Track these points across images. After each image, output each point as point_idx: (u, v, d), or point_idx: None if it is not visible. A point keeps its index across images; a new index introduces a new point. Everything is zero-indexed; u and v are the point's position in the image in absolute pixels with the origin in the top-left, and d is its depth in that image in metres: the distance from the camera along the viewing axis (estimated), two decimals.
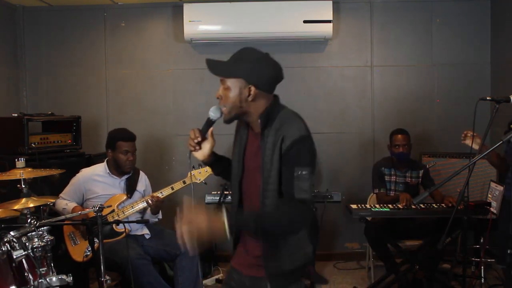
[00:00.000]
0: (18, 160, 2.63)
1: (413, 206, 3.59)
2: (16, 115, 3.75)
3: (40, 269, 2.28)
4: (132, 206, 3.33)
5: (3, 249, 2.20)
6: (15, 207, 2.45)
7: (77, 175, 3.45)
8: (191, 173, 3.40)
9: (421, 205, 3.65)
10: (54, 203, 3.27)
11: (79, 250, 3.23)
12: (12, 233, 2.25)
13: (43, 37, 4.73)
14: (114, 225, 3.23)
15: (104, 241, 2.71)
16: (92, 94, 4.75)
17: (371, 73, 4.73)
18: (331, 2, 4.40)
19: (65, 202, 3.34)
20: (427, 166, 4.17)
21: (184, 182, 3.40)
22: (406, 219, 3.84)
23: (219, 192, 3.82)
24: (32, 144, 3.69)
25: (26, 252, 2.25)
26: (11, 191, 2.80)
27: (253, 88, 1.79)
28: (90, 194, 3.38)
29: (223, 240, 1.72)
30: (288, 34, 4.47)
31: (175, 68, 4.65)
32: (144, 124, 4.62)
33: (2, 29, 4.50)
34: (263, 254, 1.85)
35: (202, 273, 3.50)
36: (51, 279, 2.27)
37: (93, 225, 2.71)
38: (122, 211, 3.31)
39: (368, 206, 3.73)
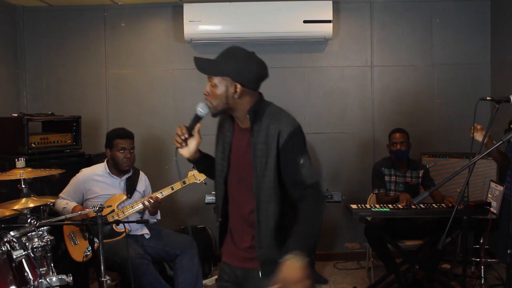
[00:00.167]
0: (18, 160, 2.63)
1: (413, 206, 3.59)
2: (16, 115, 3.75)
3: (40, 269, 2.28)
4: (132, 206, 3.33)
5: (3, 249, 2.20)
6: (15, 207, 2.45)
7: (77, 175, 3.45)
8: (191, 173, 3.41)
9: (421, 205, 3.65)
10: (54, 203, 3.27)
11: (79, 250, 3.23)
12: (12, 233, 2.25)
13: (43, 37, 4.73)
14: (114, 225, 3.23)
15: (104, 241, 2.71)
16: (92, 94, 4.75)
17: (371, 73, 4.73)
18: (331, 2, 4.40)
19: (65, 201, 3.34)
20: (427, 166, 4.17)
21: (184, 182, 3.40)
22: (406, 219, 3.84)
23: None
24: (32, 144, 3.69)
25: (26, 252, 2.25)
26: (11, 191, 2.80)
27: (239, 86, 1.84)
28: (90, 194, 3.38)
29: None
30: (288, 34, 4.47)
31: (175, 68, 4.65)
32: (144, 124, 4.63)
33: (2, 29, 4.50)
34: (255, 242, 1.91)
35: (202, 273, 3.49)
36: (51, 279, 2.27)
37: (93, 225, 2.71)
38: (122, 211, 3.31)
39: (368, 206, 3.73)
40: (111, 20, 4.72)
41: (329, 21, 4.39)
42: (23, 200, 2.48)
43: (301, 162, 1.83)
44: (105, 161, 3.48)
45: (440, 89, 4.71)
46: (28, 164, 2.68)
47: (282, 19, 4.41)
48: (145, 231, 3.44)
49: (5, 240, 2.22)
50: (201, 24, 4.40)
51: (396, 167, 4.00)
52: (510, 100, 2.64)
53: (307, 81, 4.71)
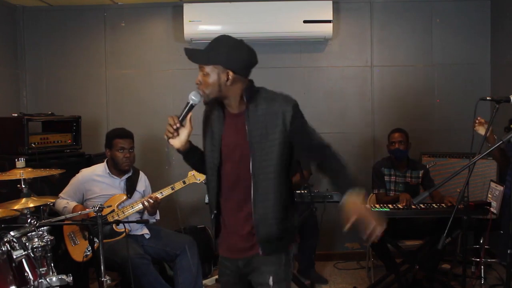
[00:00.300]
0: (18, 160, 2.63)
1: (413, 206, 3.59)
2: (16, 115, 3.76)
3: (40, 269, 2.28)
4: (132, 206, 3.33)
5: (3, 249, 2.20)
6: (15, 207, 2.45)
7: (77, 175, 3.45)
8: (191, 173, 3.41)
9: (421, 205, 3.65)
10: (54, 203, 3.26)
11: (79, 250, 3.23)
12: (12, 233, 2.25)
13: (43, 37, 4.73)
14: (114, 225, 3.23)
15: (104, 241, 2.71)
16: (92, 94, 4.74)
17: (371, 73, 4.73)
18: (331, 2, 4.40)
19: (66, 201, 3.34)
20: (427, 167, 4.17)
21: (184, 182, 3.40)
22: (406, 219, 3.84)
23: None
24: (32, 144, 3.69)
25: (26, 252, 2.24)
26: (11, 191, 2.80)
27: (231, 73, 1.89)
28: (90, 194, 3.38)
29: None
30: (288, 34, 4.47)
31: (175, 68, 4.65)
32: (144, 124, 4.62)
33: (2, 29, 4.50)
34: (254, 221, 1.95)
35: (202, 273, 3.49)
36: (51, 279, 2.26)
37: (93, 225, 2.71)
38: (122, 211, 3.31)
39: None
40: (111, 20, 4.72)
41: (329, 21, 4.39)
42: (23, 200, 2.48)
43: (311, 129, 1.98)
44: (105, 161, 3.49)
45: (440, 89, 4.71)
46: (28, 164, 2.68)
47: (282, 19, 4.41)
48: (145, 231, 3.44)
49: (5, 240, 2.22)
50: (201, 24, 4.41)
51: (396, 167, 4.00)
52: (510, 100, 2.65)
53: (307, 81, 4.70)
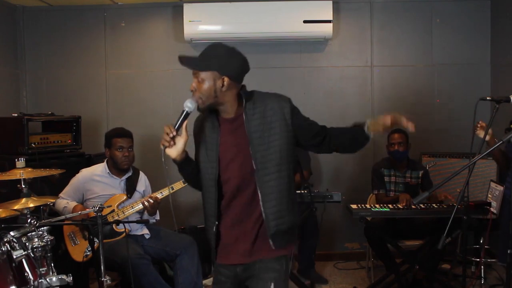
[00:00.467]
0: (18, 160, 2.63)
1: (413, 206, 3.59)
2: (16, 115, 3.76)
3: (40, 269, 2.28)
4: (132, 206, 3.33)
5: (3, 249, 2.20)
6: (15, 207, 2.45)
7: (77, 175, 3.45)
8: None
9: (421, 205, 3.65)
10: (54, 203, 3.26)
11: (79, 250, 3.23)
12: (12, 233, 2.25)
13: (43, 37, 4.73)
14: (114, 225, 3.23)
15: (104, 241, 2.71)
16: (92, 94, 4.75)
17: (371, 73, 4.73)
18: (331, 2, 4.40)
19: (66, 201, 3.33)
20: (427, 167, 4.17)
21: (184, 182, 3.39)
22: (406, 219, 3.84)
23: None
24: (32, 144, 3.69)
25: (26, 252, 2.24)
26: (11, 191, 2.80)
27: (226, 79, 1.93)
28: (90, 194, 3.38)
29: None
30: (288, 34, 4.47)
31: (175, 68, 4.64)
32: (144, 124, 4.62)
33: (2, 29, 4.50)
34: (264, 214, 1.97)
35: (202, 273, 3.49)
36: (51, 279, 2.26)
37: (93, 225, 2.71)
38: (122, 211, 3.31)
39: (368, 206, 3.73)
40: (111, 20, 4.72)
41: (329, 21, 4.39)
42: (23, 200, 2.48)
43: (307, 117, 2.08)
44: (105, 161, 3.49)
45: (440, 89, 4.71)
46: (28, 164, 2.68)
47: (282, 19, 4.41)
48: (145, 231, 3.44)
49: (5, 240, 2.22)
50: (201, 24, 4.41)
51: (396, 167, 4.00)
52: (510, 100, 2.64)
53: (307, 81, 4.70)
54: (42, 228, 2.38)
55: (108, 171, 3.43)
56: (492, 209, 3.50)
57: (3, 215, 2.59)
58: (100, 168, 3.46)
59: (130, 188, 3.46)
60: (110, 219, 3.22)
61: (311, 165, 4.37)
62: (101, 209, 2.64)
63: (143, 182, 3.59)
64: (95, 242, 2.84)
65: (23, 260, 2.27)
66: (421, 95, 4.70)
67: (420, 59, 4.71)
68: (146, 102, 4.72)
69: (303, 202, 3.60)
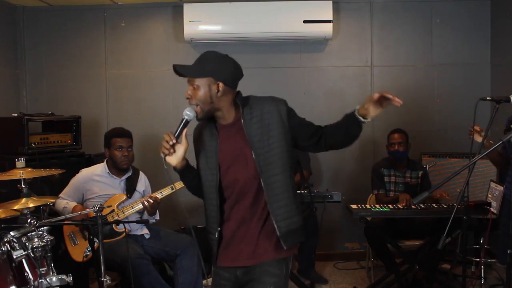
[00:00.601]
0: (18, 160, 2.63)
1: (413, 206, 3.59)
2: (16, 115, 3.75)
3: (40, 269, 2.28)
4: (132, 206, 3.33)
5: (3, 249, 2.20)
6: (15, 207, 2.45)
7: (77, 175, 3.45)
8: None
9: (421, 205, 3.65)
10: (54, 203, 3.27)
11: (79, 250, 3.23)
12: (12, 233, 2.25)
13: (43, 37, 4.73)
14: (114, 225, 3.23)
15: (104, 241, 2.71)
16: (92, 94, 4.74)
17: (371, 73, 4.73)
18: (331, 2, 4.40)
19: (65, 201, 3.34)
20: (427, 167, 4.16)
21: None
22: (406, 219, 3.84)
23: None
24: (32, 144, 3.69)
25: (26, 252, 2.24)
26: (11, 191, 2.80)
27: (221, 84, 1.96)
28: (89, 194, 3.38)
29: None
30: (288, 34, 4.47)
31: None
32: (144, 124, 4.63)
33: (2, 29, 4.50)
34: (272, 215, 1.98)
35: (202, 273, 3.49)
36: (51, 279, 2.26)
37: (93, 225, 2.71)
38: (122, 211, 3.31)
39: (368, 206, 3.73)
40: (111, 20, 4.72)
41: (329, 21, 4.39)
42: (23, 200, 2.48)
43: (302, 118, 2.08)
44: (105, 161, 3.49)
45: (440, 89, 4.71)
46: (28, 164, 2.68)
47: (282, 19, 4.40)
48: (145, 231, 3.44)
49: (5, 240, 2.22)
50: (201, 24, 4.40)
51: (396, 167, 4.00)
52: (510, 100, 2.64)
53: (307, 81, 4.70)
54: (42, 228, 2.38)
55: (108, 171, 3.43)
56: (492, 209, 3.50)
57: (3, 215, 2.59)
58: (100, 168, 3.46)
59: (130, 188, 3.46)
60: (110, 219, 3.22)
61: (311, 165, 4.37)
62: (101, 209, 2.64)
63: (143, 182, 3.59)
64: (95, 242, 2.84)
65: (23, 260, 2.27)
66: (421, 95, 4.70)
67: (420, 59, 4.71)
68: (146, 102, 4.72)
69: (303, 202, 3.60)
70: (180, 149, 2.03)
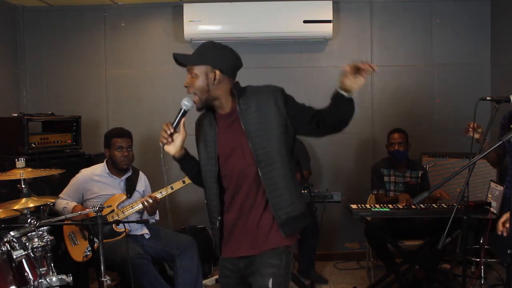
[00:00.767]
0: (18, 160, 2.63)
1: (413, 206, 3.59)
2: (16, 115, 3.75)
3: (40, 269, 2.28)
4: (131, 206, 3.33)
5: (3, 249, 2.20)
6: (15, 207, 2.45)
7: (77, 175, 3.45)
8: None
9: (421, 205, 3.65)
10: (54, 203, 3.27)
11: (79, 250, 3.23)
12: (12, 233, 2.25)
13: (43, 37, 4.73)
14: (114, 225, 3.23)
15: (104, 241, 2.71)
16: (92, 94, 4.74)
17: (371, 73, 4.71)
18: (331, 2, 4.40)
19: (65, 202, 3.34)
20: (427, 167, 4.16)
21: (183, 182, 3.40)
22: (406, 219, 3.84)
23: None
24: (32, 144, 3.69)
25: (26, 252, 2.24)
26: (11, 191, 2.80)
27: (218, 72, 1.99)
28: (89, 194, 3.38)
29: None
30: (288, 34, 4.47)
31: (175, 68, 4.62)
32: (143, 124, 4.63)
33: (2, 29, 4.50)
34: (271, 204, 2.00)
35: (202, 273, 3.49)
36: (51, 279, 2.26)
37: (93, 225, 2.71)
38: (122, 211, 3.31)
39: (368, 206, 3.73)
40: (111, 20, 4.72)
41: (329, 21, 4.39)
42: (23, 200, 2.48)
43: (301, 103, 2.07)
44: (105, 161, 3.49)
45: (440, 89, 4.71)
46: (28, 164, 2.68)
47: (282, 19, 4.40)
48: (145, 231, 3.44)
49: (5, 240, 2.22)
50: (201, 24, 4.41)
51: (396, 167, 4.00)
52: (510, 100, 2.64)
53: (307, 81, 4.70)
54: (42, 228, 2.38)
55: (107, 171, 3.43)
56: (492, 209, 3.50)
57: (3, 215, 2.59)
58: (100, 168, 3.46)
59: (130, 188, 3.46)
60: (110, 219, 3.23)
61: (311, 165, 4.37)
62: (101, 209, 2.64)
63: (142, 182, 3.59)
64: (95, 242, 2.84)
65: (23, 260, 2.28)
66: (421, 95, 4.70)
67: (420, 59, 4.71)
68: (146, 102, 4.72)
69: None
70: (178, 139, 2.07)
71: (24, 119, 3.64)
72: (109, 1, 4.62)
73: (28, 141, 3.65)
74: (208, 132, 2.09)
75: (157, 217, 3.53)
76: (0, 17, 4.48)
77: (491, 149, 2.31)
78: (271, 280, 1.98)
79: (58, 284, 2.28)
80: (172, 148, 2.08)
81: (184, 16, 4.40)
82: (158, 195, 3.35)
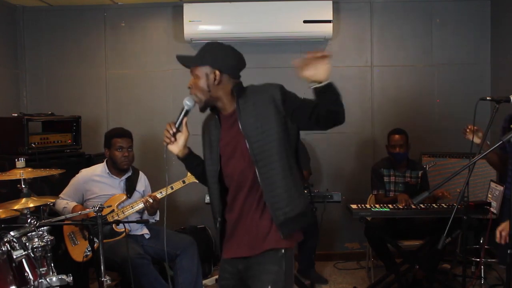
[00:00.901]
0: (18, 160, 2.63)
1: (413, 206, 3.59)
2: (16, 115, 3.75)
3: (40, 269, 2.28)
4: (131, 206, 3.33)
5: (3, 249, 2.20)
6: (15, 207, 2.45)
7: (77, 175, 3.45)
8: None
9: (421, 205, 3.65)
10: (54, 203, 3.27)
11: (79, 250, 3.23)
12: (12, 233, 2.25)
13: (43, 37, 4.73)
14: (114, 225, 3.23)
15: (104, 241, 2.71)
16: (92, 94, 4.75)
17: (371, 73, 4.73)
18: (331, 2, 4.40)
19: (65, 202, 3.34)
20: (427, 167, 4.16)
21: (183, 182, 3.40)
22: (406, 219, 3.84)
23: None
24: (32, 144, 3.69)
25: (26, 252, 2.25)
26: (11, 191, 2.80)
27: (217, 72, 1.99)
28: (89, 195, 3.38)
29: None
30: (288, 34, 4.47)
31: (175, 68, 4.64)
32: (144, 124, 4.63)
33: (2, 29, 4.50)
34: (269, 204, 1.98)
35: (202, 273, 3.49)
36: (51, 279, 2.27)
37: (93, 225, 2.71)
38: (122, 211, 3.31)
39: (368, 206, 3.73)
40: (111, 20, 4.72)
41: (329, 21, 4.39)
42: (23, 200, 2.48)
43: (302, 97, 2.05)
44: (105, 161, 3.49)
45: (440, 89, 4.71)
46: (28, 164, 2.68)
47: (282, 19, 4.41)
48: (145, 231, 3.44)
49: (5, 240, 2.22)
50: (201, 24, 4.41)
51: (395, 167, 4.00)
52: (510, 100, 2.64)
53: (307, 81, 4.69)
54: (42, 228, 2.38)
55: (107, 171, 3.43)
56: (492, 209, 3.50)
57: (3, 215, 2.59)
58: (100, 168, 3.46)
59: (130, 188, 3.46)
60: (110, 219, 3.23)
61: (311, 165, 4.37)
62: (101, 209, 2.64)
63: (142, 182, 3.59)
64: (95, 242, 2.84)
65: (23, 260, 2.28)
66: (421, 95, 4.70)
67: (420, 59, 4.71)
68: (146, 102, 4.72)
69: None
70: (181, 138, 2.09)
71: (24, 119, 3.64)
72: (109, 1, 4.62)
73: (28, 141, 3.65)
74: (213, 132, 2.11)
75: (157, 217, 3.53)
76: (0, 17, 4.48)
77: (491, 149, 2.30)
78: (269, 287, 1.97)
79: (58, 284, 2.28)
80: (175, 148, 2.10)
81: (184, 16, 4.40)
82: (158, 195, 3.36)
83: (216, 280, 4.13)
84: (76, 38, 4.72)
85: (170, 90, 4.68)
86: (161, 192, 3.38)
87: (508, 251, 2.37)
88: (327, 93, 1.92)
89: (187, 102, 2.04)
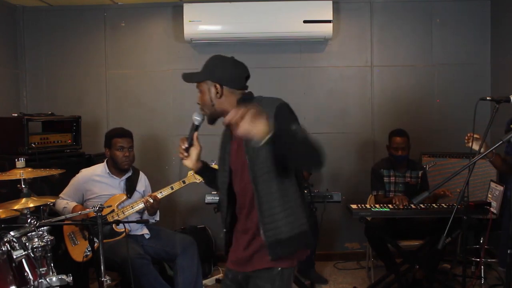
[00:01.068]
0: (18, 160, 2.63)
1: (413, 206, 3.59)
2: (16, 115, 3.75)
3: (40, 269, 2.28)
4: (132, 206, 3.33)
5: (3, 249, 2.20)
6: (15, 207, 2.45)
7: (77, 175, 3.45)
8: (191, 173, 3.41)
9: (421, 205, 3.65)
10: (54, 203, 3.26)
11: (79, 250, 3.23)
12: (12, 233, 2.25)
13: (43, 37, 4.73)
14: (114, 225, 3.23)
15: (104, 241, 2.71)
16: (92, 94, 4.75)
17: (371, 73, 4.73)
18: (331, 2, 4.40)
19: (65, 202, 3.34)
20: (427, 167, 4.16)
21: (183, 182, 3.40)
22: (406, 219, 3.84)
23: (219, 193, 3.83)
24: (32, 144, 3.69)
25: (26, 252, 2.24)
26: (11, 191, 2.80)
27: (218, 86, 1.99)
28: (90, 195, 3.38)
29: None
30: (288, 34, 4.47)
31: (175, 68, 4.64)
32: (144, 124, 4.63)
33: (2, 29, 4.50)
34: (261, 224, 1.94)
35: (202, 273, 3.49)
36: (51, 279, 2.26)
37: (93, 225, 2.71)
38: (122, 211, 3.31)
39: (368, 206, 3.72)
40: (111, 20, 4.72)
41: (329, 21, 4.39)
42: (23, 200, 2.48)
43: (293, 128, 1.83)
44: (105, 161, 3.49)
45: (440, 89, 4.71)
46: (28, 164, 2.68)
47: (282, 19, 4.41)
48: (145, 231, 3.44)
49: (5, 240, 2.22)
50: (201, 24, 4.41)
51: (395, 167, 4.00)
52: (510, 100, 2.64)
53: (307, 81, 4.70)
54: (42, 228, 2.38)
55: (108, 171, 3.43)
56: (492, 209, 3.50)
57: (3, 215, 2.59)
58: (100, 168, 3.46)
59: (130, 188, 3.46)
60: (110, 219, 3.23)
61: None
62: (101, 209, 2.64)
63: (143, 182, 3.59)
64: (95, 242, 2.84)
65: (23, 260, 2.28)
66: (421, 95, 4.70)
67: (420, 59, 4.71)
68: (146, 102, 4.72)
69: None
70: (193, 152, 2.12)
71: (24, 119, 3.64)
72: (109, 1, 4.62)
73: (28, 141, 3.65)
74: (226, 144, 2.11)
75: (157, 217, 3.53)
76: (0, 17, 4.48)
77: (491, 149, 2.31)
78: None
79: (58, 284, 2.28)
80: (189, 162, 2.13)
81: (184, 16, 4.40)
82: (159, 195, 3.36)
83: (216, 280, 4.14)
84: (76, 38, 4.72)
85: (170, 90, 4.68)
86: (161, 192, 3.38)
87: (508, 251, 2.37)
88: (281, 144, 1.74)
89: (196, 117, 2.07)
